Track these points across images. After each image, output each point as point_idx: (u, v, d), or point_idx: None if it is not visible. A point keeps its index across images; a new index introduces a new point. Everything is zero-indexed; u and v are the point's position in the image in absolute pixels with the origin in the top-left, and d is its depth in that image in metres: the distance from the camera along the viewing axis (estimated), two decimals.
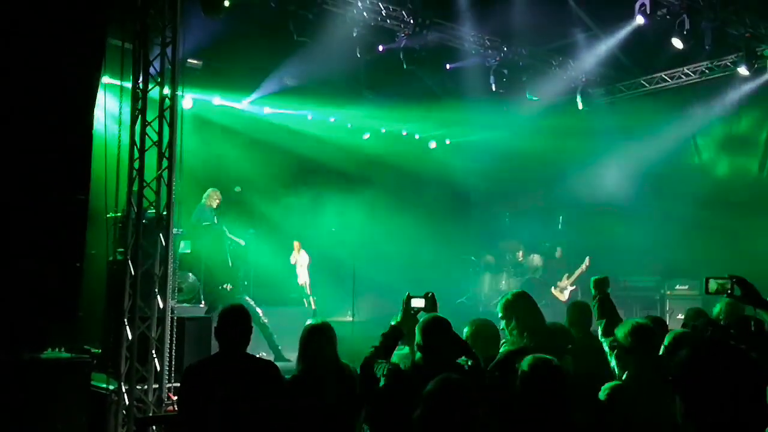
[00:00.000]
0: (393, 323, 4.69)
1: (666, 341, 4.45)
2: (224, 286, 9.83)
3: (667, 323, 6.91)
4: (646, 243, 13.32)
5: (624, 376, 4.31)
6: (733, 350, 2.30)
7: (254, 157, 13.60)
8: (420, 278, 14.04)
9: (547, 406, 3.47)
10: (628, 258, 14.04)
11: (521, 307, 4.63)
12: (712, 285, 4.87)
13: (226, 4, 10.27)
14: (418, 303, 4.73)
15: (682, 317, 11.05)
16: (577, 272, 13.66)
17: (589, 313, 5.88)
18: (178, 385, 7.11)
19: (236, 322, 4.40)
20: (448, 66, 13.36)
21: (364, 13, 11.43)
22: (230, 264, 10.05)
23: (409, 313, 4.67)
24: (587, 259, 13.55)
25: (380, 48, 12.09)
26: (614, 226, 13.91)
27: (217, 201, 11.27)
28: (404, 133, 16.49)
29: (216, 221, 11.13)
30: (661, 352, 4.35)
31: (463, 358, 4.47)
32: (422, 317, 4.48)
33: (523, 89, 14.10)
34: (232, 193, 11.38)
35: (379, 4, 11.47)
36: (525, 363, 3.60)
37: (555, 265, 14.21)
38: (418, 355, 4.33)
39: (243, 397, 4.20)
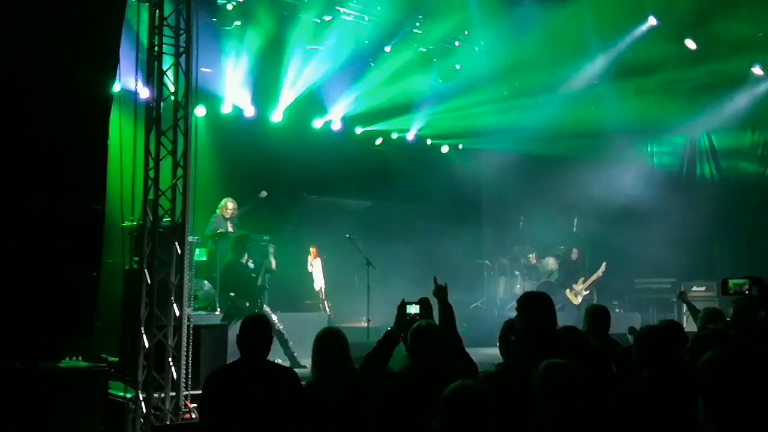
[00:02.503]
0: (388, 330, 4.71)
1: (689, 343, 4.43)
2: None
3: (684, 325, 6.87)
4: (661, 244, 13.24)
5: (639, 379, 4.28)
6: (755, 353, 2.29)
7: (266, 163, 13.63)
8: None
9: (560, 410, 3.45)
10: (643, 260, 13.98)
11: (525, 307, 4.58)
12: (730, 285, 4.85)
13: (229, 8, 10.37)
14: (412, 309, 4.73)
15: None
16: (593, 278, 13.60)
17: (608, 316, 5.85)
18: (195, 392, 7.16)
19: (258, 331, 4.42)
20: (458, 66, 13.39)
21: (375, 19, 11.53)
22: (259, 282, 10.06)
23: (405, 319, 4.67)
24: (603, 265, 13.48)
25: (387, 48, 12.16)
26: (629, 228, 13.86)
27: (231, 211, 11.32)
28: (413, 137, 16.45)
29: (231, 229, 11.17)
30: (682, 354, 4.32)
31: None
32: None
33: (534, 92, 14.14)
34: (259, 198, 11.46)
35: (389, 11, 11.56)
36: (541, 366, 3.59)
37: (572, 266, 14.16)
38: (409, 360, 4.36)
39: (265, 404, 4.21)
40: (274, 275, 11.11)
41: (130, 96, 7.85)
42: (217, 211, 11.32)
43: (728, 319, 6.30)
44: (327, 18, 11.05)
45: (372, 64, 12.45)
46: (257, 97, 13.42)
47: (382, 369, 4.50)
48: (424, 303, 4.79)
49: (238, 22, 10.81)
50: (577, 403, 3.45)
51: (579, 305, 13.30)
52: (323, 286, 13.11)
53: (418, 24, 12.15)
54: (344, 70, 13.01)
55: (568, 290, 13.77)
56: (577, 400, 3.45)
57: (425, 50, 12.47)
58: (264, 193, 11.28)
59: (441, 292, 4.86)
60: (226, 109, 13.27)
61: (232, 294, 10.05)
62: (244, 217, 11.82)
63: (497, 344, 5.17)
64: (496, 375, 4.22)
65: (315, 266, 13.16)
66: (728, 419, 2.20)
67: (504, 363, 4.59)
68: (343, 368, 4.52)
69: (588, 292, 13.71)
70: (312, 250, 13.20)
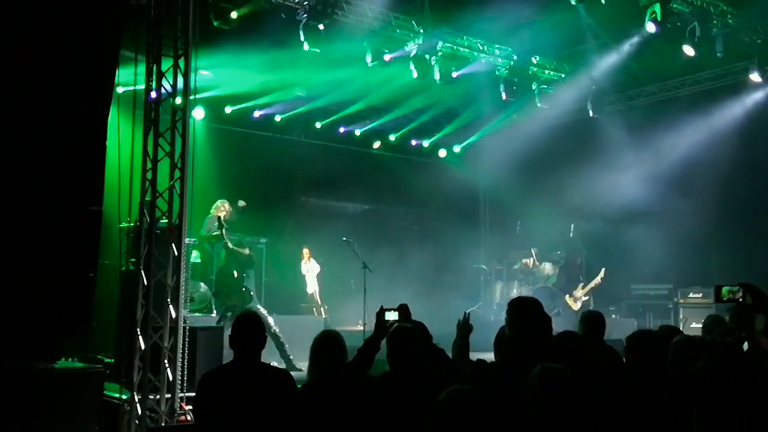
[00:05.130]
0: (368, 338, 4.71)
1: (671, 349, 4.42)
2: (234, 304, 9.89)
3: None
4: (658, 250, 13.25)
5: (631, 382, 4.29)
6: (746, 361, 2.31)
7: (264, 165, 13.64)
8: (431, 286, 14.05)
9: (552, 414, 3.46)
10: (640, 266, 13.98)
11: (513, 312, 4.54)
12: (724, 293, 4.84)
13: (234, 15, 10.38)
14: (391, 316, 4.72)
15: (696, 326, 11.03)
16: (592, 283, 13.57)
17: (603, 321, 5.86)
18: (191, 394, 7.15)
19: (251, 328, 4.41)
20: (454, 74, 13.36)
21: (374, 23, 11.51)
22: (235, 275, 10.03)
23: (384, 326, 4.66)
24: (603, 271, 13.47)
25: (387, 57, 12.16)
26: (626, 234, 13.86)
27: (224, 212, 11.32)
28: (414, 143, 16.51)
29: (222, 232, 11.18)
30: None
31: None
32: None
33: (533, 97, 14.15)
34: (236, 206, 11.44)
35: (389, 14, 11.54)
36: (534, 371, 3.59)
37: (571, 272, 14.14)
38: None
39: (259, 406, 4.21)
40: (272, 278, 11.12)
41: (129, 97, 7.86)
42: (212, 211, 11.33)
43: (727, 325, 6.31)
44: (326, 21, 11.03)
45: (368, 67, 12.44)
46: (255, 100, 13.44)
47: (363, 376, 4.51)
48: (402, 309, 4.78)
49: (236, 16, 10.76)
50: (570, 408, 3.45)
51: (578, 311, 13.28)
52: (317, 290, 13.11)
53: (419, 30, 12.15)
54: (343, 73, 13.03)
55: (567, 296, 13.75)
56: (570, 404, 3.46)
57: (426, 56, 12.44)
58: (242, 203, 11.29)
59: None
60: (224, 111, 13.30)
61: (222, 296, 10.03)
62: (239, 220, 11.80)
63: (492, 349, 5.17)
64: (486, 367, 4.22)
65: (309, 268, 13.15)
66: (719, 424, 2.22)
67: (493, 363, 4.59)
68: (340, 371, 4.52)
69: (587, 297, 13.69)
70: (305, 251, 13.19)
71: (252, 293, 10.20)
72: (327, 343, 4.58)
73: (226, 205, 11.35)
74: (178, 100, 7.67)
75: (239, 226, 11.65)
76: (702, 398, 2.30)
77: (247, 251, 10.49)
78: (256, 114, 13.78)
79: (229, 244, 10.28)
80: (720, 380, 2.28)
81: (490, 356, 5.18)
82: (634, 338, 4.36)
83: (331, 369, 4.49)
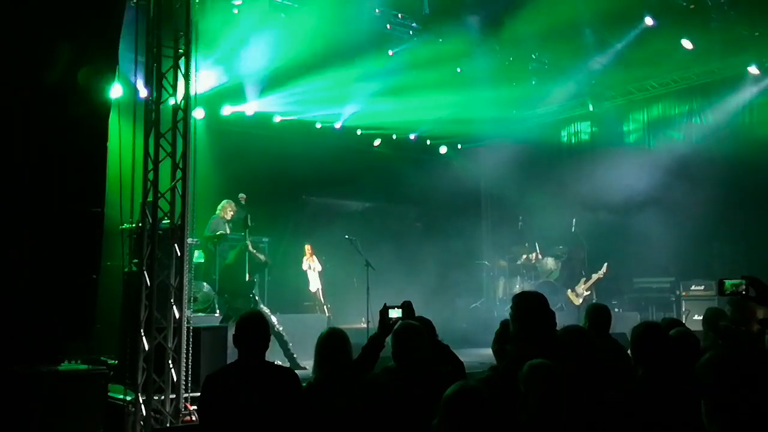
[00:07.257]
0: (372, 335, 4.71)
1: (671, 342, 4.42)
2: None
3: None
4: (660, 244, 13.25)
5: (635, 376, 4.28)
6: (754, 353, 2.30)
7: (265, 165, 13.63)
8: (434, 283, 14.05)
9: (541, 409, 3.45)
10: (642, 259, 13.98)
11: (518, 307, 4.53)
12: (727, 286, 4.84)
13: (235, 11, 10.36)
14: (395, 313, 4.72)
15: (698, 318, 11.02)
16: (595, 278, 13.57)
17: (608, 315, 5.85)
18: (195, 395, 7.15)
19: (255, 328, 4.41)
20: (458, 69, 13.39)
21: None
22: (246, 278, 10.06)
23: (387, 324, 4.66)
24: (605, 266, 13.47)
25: (390, 52, 12.17)
26: (628, 228, 13.86)
27: (231, 213, 11.32)
28: (413, 137, 16.48)
29: (228, 231, 11.18)
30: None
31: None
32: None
33: (533, 93, 14.17)
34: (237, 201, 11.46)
35: (389, 12, 11.54)
36: (524, 368, 3.59)
37: (574, 267, 14.15)
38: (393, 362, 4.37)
39: (264, 406, 4.21)
40: (275, 277, 11.13)
41: (130, 98, 7.85)
42: (218, 212, 11.33)
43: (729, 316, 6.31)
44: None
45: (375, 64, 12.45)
46: (256, 99, 13.42)
47: (368, 374, 4.51)
48: (406, 307, 4.78)
49: (236, 10, 10.76)
50: (559, 402, 3.45)
51: (581, 305, 13.29)
52: (320, 288, 13.11)
53: (418, 26, 12.15)
54: (346, 72, 13.01)
55: (569, 290, 13.76)
56: (559, 399, 3.45)
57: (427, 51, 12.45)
58: (242, 195, 11.31)
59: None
60: (225, 111, 13.28)
61: (226, 295, 10.06)
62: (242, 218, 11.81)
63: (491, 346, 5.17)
64: (488, 379, 4.19)
65: (311, 266, 13.15)
66: (730, 419, 2.21)
67: (496, 366, 4.58)
68: (345, 369, 4.52)
69: (589, 292, 13.70)
70: (307, 248, 13.19)
71: (257, 298, 10.23)
72: (333, 342, 4.57)
73: (232, 205, 11.35)
74: (179, 101, 7.65)
75: (240, 225, 11.65)
76: (710, 390, 2.28)
77: (263, 257, 10.49)
78: (258, 112, 13.73)
79: (250, 246, 10.29)
80: (727, 372, 2.26)
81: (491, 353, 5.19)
82: (640, 331, 4.35)
83: (337, 367, 4.48)
